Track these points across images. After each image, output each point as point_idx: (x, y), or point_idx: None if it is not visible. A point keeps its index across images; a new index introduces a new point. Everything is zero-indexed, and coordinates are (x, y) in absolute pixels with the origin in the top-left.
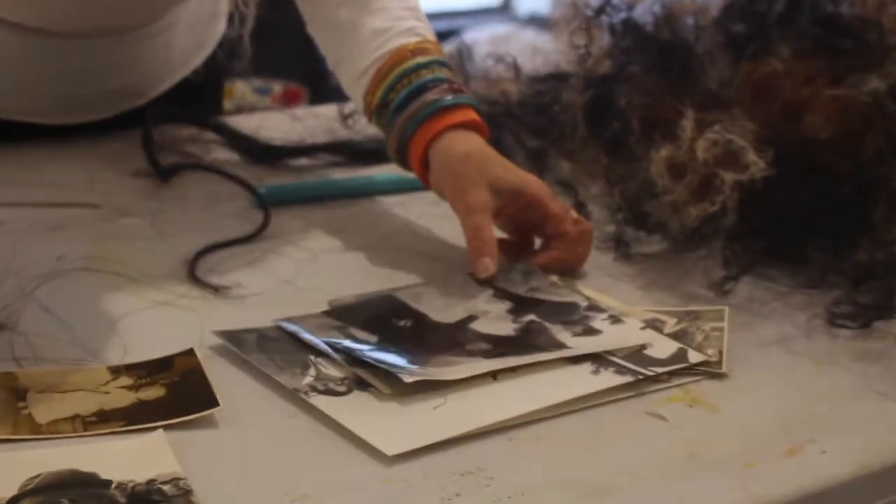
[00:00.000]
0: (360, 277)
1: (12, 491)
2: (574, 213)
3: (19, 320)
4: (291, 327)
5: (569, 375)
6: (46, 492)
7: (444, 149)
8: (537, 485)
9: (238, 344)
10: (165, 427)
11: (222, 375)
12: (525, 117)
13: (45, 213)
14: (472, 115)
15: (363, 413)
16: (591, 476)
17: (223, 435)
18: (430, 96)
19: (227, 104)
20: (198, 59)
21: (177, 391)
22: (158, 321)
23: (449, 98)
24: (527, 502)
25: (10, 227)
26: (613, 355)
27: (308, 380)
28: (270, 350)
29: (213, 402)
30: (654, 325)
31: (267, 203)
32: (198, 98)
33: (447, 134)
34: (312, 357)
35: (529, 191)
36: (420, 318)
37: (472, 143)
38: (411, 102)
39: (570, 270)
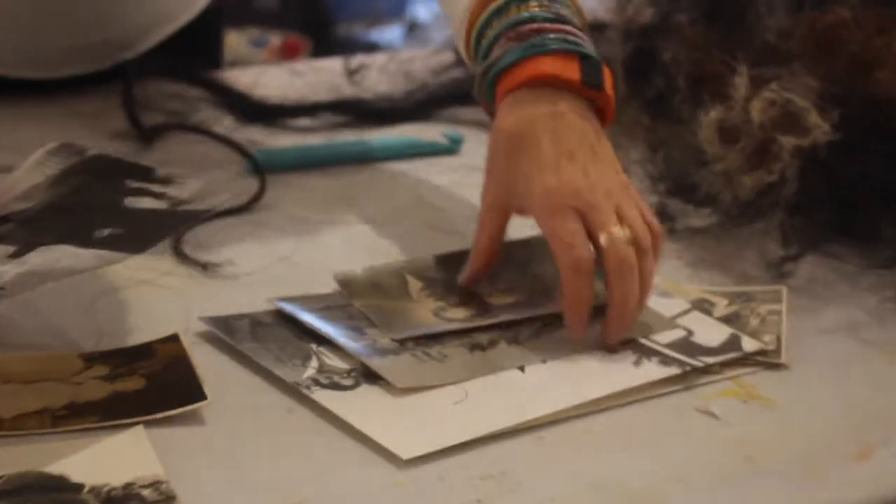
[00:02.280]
0: (366, 254)
1: None
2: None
3: None
4: (289, 308)
5: (607, 367)
6: (8, 496)
7: (503, 111)
8: (570, 491)
9: (229, 332)
10: (146, 423)
11: (211, 365)
12: None
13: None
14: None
15: (373, 410)
16: (632, 481)
17: (211, 432)
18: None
19: None
20: (194, 9)
21: (159, 382)
22: (138, 303)
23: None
24: None
25: None
26: (656, 343)
27: (310, 372)
28: (266, 338)
29: (201, 395)
30: (702, 306)
31: (262, 169)
32: (192, 51)
33: (518, 93)
34: (314, 346)
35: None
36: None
37: (533, 115)
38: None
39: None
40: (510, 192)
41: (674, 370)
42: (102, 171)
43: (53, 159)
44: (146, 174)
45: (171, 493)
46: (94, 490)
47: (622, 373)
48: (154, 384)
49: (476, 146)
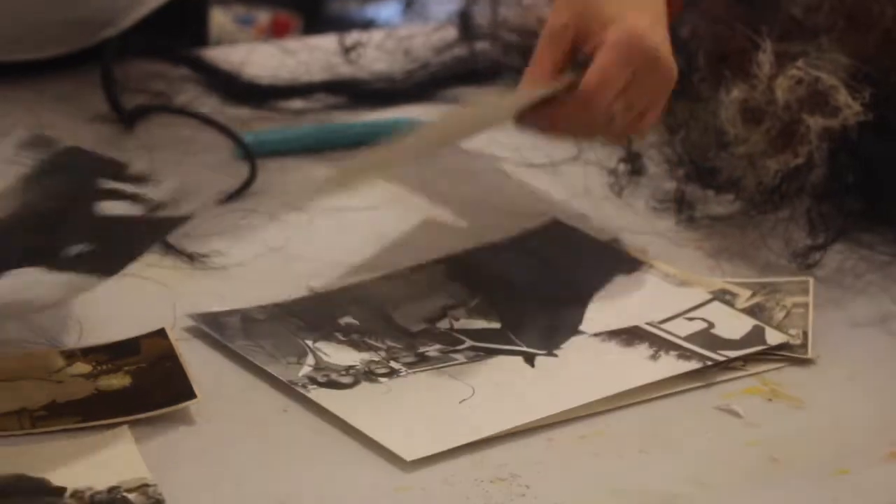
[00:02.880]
0: (365, 244)
1: None
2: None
3: None
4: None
5: (621, 362)
6: None
7: None
8: (583, 494)
9: (219, 329)
10: (131, 423)
11: (200, 362)
12: None
13: None
14: None
15: (374, 409)
16: (649, 484)
17: (201, 433)
18: None
19: None
20: None
21: (144, 380)
22: (121, 296)
23: None
24: None
25: None
26: (674, 336)
27: (306, 370)
28: (258, 335)
29: (190, 394)
30: (723, 298)
31: (253, 153)
32: (176, 28)
33: None
34: (310, 342)
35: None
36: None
37: None
38: None
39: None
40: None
41: (693, 364)
42: (75, 169)
43: (25, 154)
44: (119, 172)
45: (160, 497)
46: (77, 494)
47: (638, 368)
48: (140, 382)
49: None
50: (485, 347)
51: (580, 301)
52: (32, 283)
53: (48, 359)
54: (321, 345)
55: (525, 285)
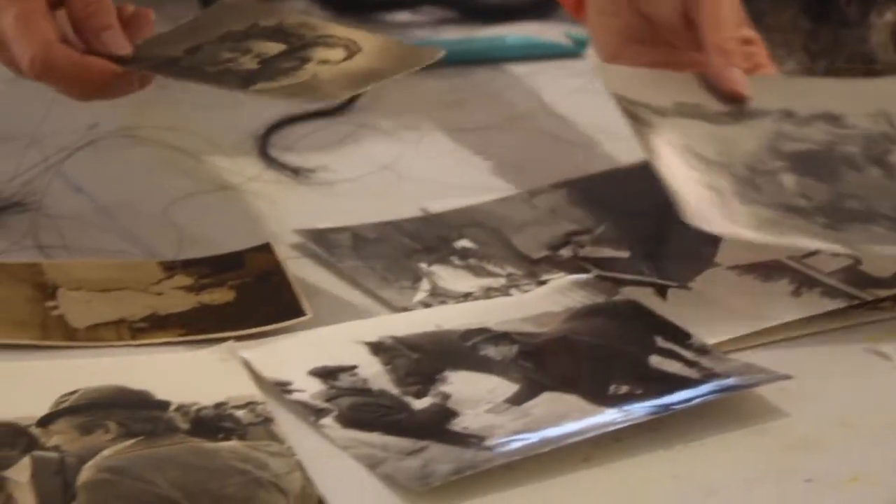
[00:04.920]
0: (480, 165)
1: (44, 409)
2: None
3: (43, 200)
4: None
5: (760, 297)
6: (87, 411)
7: None
8: (723, 435)
9: (328, 247)
10: (235, 339)
11: (307, 280)
12: None
13: None
14: None
15: None
16: (793, 425)
17: None
18: None
19: None
20: None
21: (249, 296)
22: (222, 209)
23: None
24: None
25: (23, 84)
26: (818, 272)
27: (420, 296)
28: (369, 255)
29: (298, 311)
30: None
31: None
32: None
33: None
34: (425, 266)
35: None
36: None
37: None
38: None
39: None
40: None
41: (839, 303)
42: (630, 320)
43: (578, 293)
44: (681, 338)
45: (268, 415)
46: (182, 408)
47: (778, 304)
48: (244, 297)
49: None
50: (612, 277)
51: None
52: (575, 410)
53: (147, 270)
54: (436, 269)
55: (656, 213)
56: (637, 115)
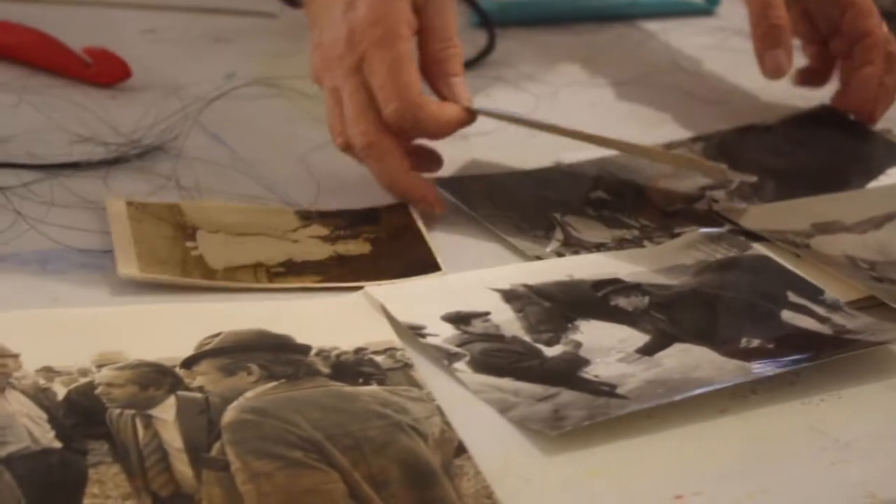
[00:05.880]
0: (614, 119)
1: (188, 350)
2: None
3: (183, 147)
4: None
5: None
6: (230, 353)
7: None
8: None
9: (463, 195)
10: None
11: (440, 234)
12: None
13: (208, 20)
14: None
15: None
16: None
17: None
18: None
19: None
20: None
21: (385, 249)
22: (357, 164)
23: None
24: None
25: (164, 36)
26: None
27: (553, 245)
28: (505, 205)
29: (433, 266)
30: None
31: (492, 22)
32: None
33: None
34: (559, 215)
35: None
36: None
37: None
38: None
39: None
40: None
41: None
42: (762, 275)
43: (711, 247)
44: (813, 293)
45: (408, 361)
46: (323, 353)
47: None
48: (380, 250)
49: (736, 6)
50: (747, 232)
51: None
52: (707, 363)
53: (283, 217)
54: (570, 219)
55: (792, 170)
56: (791, 241)
